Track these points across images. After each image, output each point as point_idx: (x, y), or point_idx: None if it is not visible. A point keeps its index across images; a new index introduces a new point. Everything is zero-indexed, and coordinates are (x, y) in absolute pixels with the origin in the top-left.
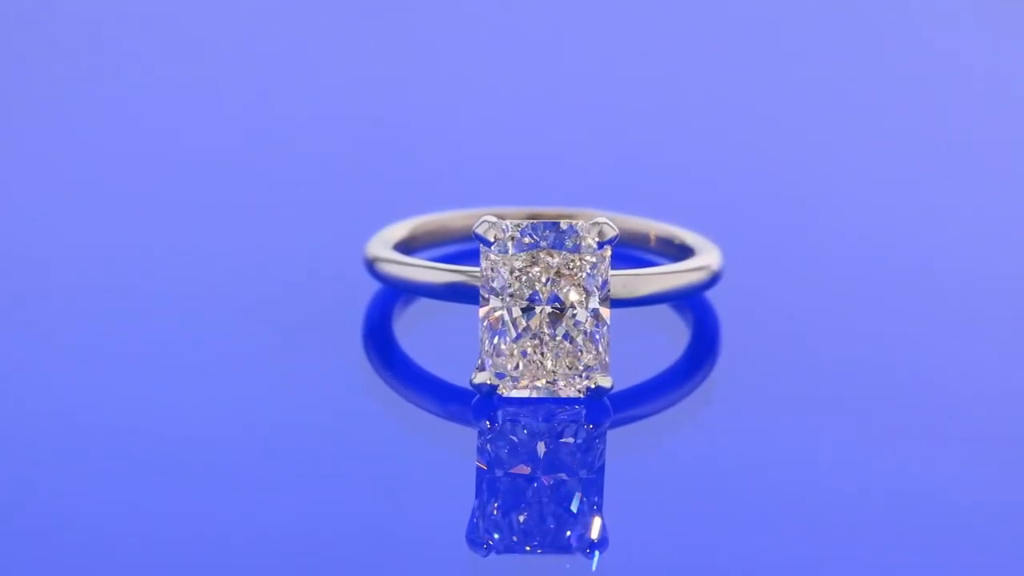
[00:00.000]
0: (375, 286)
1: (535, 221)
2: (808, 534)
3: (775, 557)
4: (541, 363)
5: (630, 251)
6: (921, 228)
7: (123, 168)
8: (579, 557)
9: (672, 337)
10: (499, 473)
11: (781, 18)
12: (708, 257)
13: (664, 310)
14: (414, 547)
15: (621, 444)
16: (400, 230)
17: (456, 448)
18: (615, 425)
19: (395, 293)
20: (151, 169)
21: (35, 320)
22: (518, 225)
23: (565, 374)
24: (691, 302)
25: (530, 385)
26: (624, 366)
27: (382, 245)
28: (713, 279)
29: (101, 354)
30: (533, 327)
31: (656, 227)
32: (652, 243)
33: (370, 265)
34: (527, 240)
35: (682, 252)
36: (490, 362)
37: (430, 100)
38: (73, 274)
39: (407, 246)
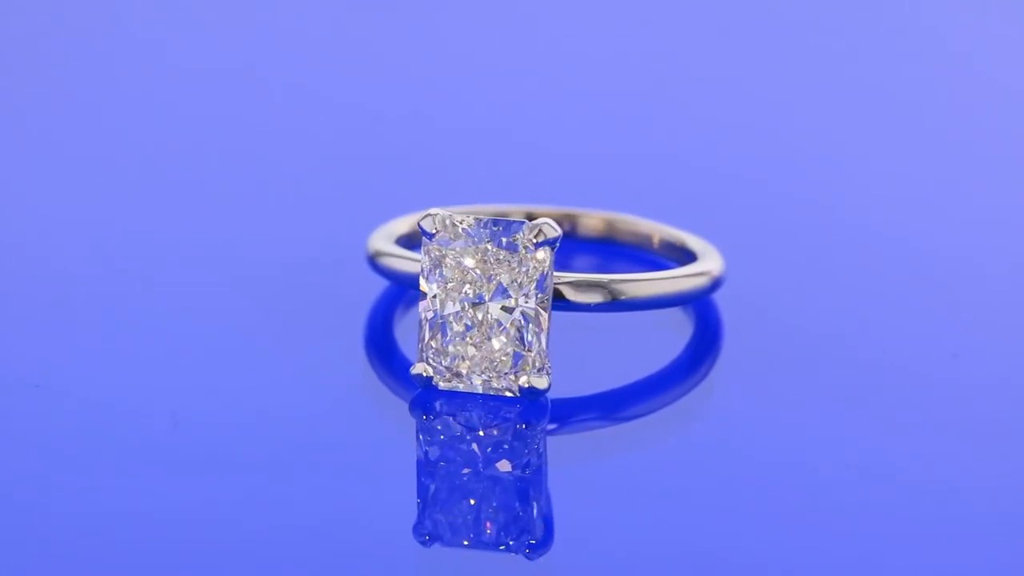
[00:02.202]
0: (377, 280)
1: (481, 217)
2: (805, 529)
3: (768, 554)
4: (478, 359)
5: (635, 252)
6: (925, 229)
7: (125, 160)
8: (521, 557)
9: (675, 337)
10: (441, 465)
11: (785, 21)
12: (710, 263)
13: (669, 310)
14: (371, 537)
15: (614, 442)
16: (403, 225)
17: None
18: (609, 423)
19: (399, 288)
20: (154, 163)
21: (40, 310)
22: (464, 220)
23: (501, 372)
24: (695, 303)
25: (466, 380)
26: (623, 365)
27: (385, 239)
28: (714, 284)
29: (101, 345)
30: (470, 323)
31: (661, 230)
32: (656, 246)
33: (372, 259)
34: (470, 236)
35: (685, 256)
36: (428, 355)
37: (438, 95)
38: (74, 266)
39: (410, 241)
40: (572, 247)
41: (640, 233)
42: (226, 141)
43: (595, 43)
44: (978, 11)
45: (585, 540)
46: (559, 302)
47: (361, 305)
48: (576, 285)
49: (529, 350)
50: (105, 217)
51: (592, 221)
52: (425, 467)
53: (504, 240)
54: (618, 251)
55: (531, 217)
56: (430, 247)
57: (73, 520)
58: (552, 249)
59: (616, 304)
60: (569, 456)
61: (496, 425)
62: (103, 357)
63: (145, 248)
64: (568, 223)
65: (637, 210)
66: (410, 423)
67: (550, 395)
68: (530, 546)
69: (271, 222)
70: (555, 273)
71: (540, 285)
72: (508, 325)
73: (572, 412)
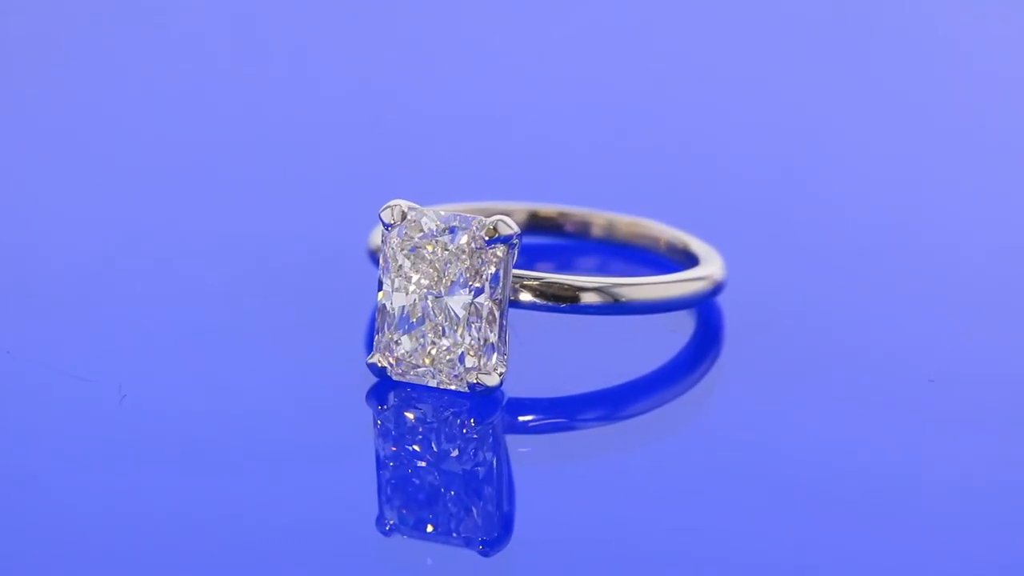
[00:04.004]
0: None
1: (441, 211)
2: (805, 528)
3: (768, 554)
4: (431, 352)
5: (638, 254)
6: (927, 230)
7: (128, 158)
8: (475, 553)
9: (675, 337)
10: (399, 458)
11: (790, 22)
12: (711, 267)
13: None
14: (343, 528)
15: (613, 442)
16: None
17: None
18: (609, 423)
19: None
20: (156, 160)
21: (43, 307)
22: (424, 214)
23: (454, 367)
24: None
25: (420, 373)
26: (623, 365)
27: None
28: (715, 289)
29: (102, 339)
30: (426, 316)
31: (665, 232)
32: (660, 248)
33: (373, 255)
34: (429, 229)
35: (689, 259)
36: (384, 346)
37: (445, 93)
38: (77, 263)
39: None
40: (576, 248)
41: (644, 235)
42: (228, 138)
43: (602, 43)
44: (978, 11)
45: (584, 539)
46: (559, 304)
47: (362, 302)
48: (576, 287)
49: (481, 346)
50: (108, 214)
51: (597, 221)
52: (383, 459)
53: (461, 235)
54: (622, 252)
55: (535, 216)
56: (389, 238)
57: (64, 513)
58: (508, 246)
59: (616, 307)
60: (568, 455)
61: (448, 420)
62: (104, 351)
63: (147, 244)
64: (572, 223)
65: (642, 211)
66: (369, 414)
67: (544, 394)
68: (483, 542)
69: (273, 218)
70: (555, 274)
71: (495, 282)
72: (462, 320)
73: (571, 411)
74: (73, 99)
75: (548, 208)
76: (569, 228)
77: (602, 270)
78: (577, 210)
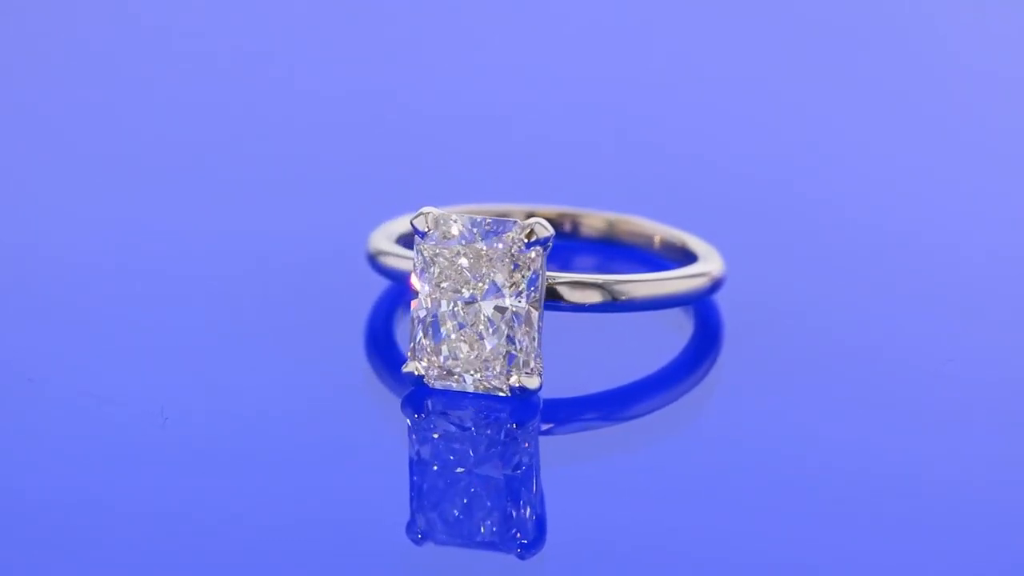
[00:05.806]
0: (377, 279)
1: (474, 216)
2: (806, 528)
3: (769, 553)
4: (470, 358)
5: (635, 252)
6: (927, 228)
7: (128, 158)
8: (513, 556)
9: (675, 337)
10: (433, 464)
11: (788, 21)
12: (710, 264)
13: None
14: (365, 535)
15: (614, 442)
16: (404, 224)
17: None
18: (609, 423)
19: (399, 287)
20: (156, 161)
21: (42, 306)
22: (457, 219)
23: (492, 371)
24: (695, 304)
25: (458, 379)
26: (623, 365)
27: (385, 238)
28: (714, 286)
29: (101, 341)
30: (462, 322)
31: (662, 231)
32: (656, 247)
33: (372, 258)
34: (462, 235)
35: (686, 257)
36: (420, 353)
37: (440, 94)
38: (76, 263)
39: (411, 240)
40: (573, 247)
41: (641, 234)
42: (228, 139)
43: (598, 42)
44: (978, 11)
45: (585, 540)
46: (559, 303)
47: (361, 305)
48: (575, 285)
49: (520, 349)
50: (108, 214)
51: (593, 221)
52: (417, 466)
53: (496, 239)
54: (619, 251)
55: (532, 215)
56: (423, 246)
57: (69, 516)
58: (544, 249)
59: (615, 305)
60: (569, 456)
61: (487, 424)
62: (102, 353)
63: (147, 245)
64: (569, 223)
65: (638, 210)
66: (405, 422)
67: (545, 395)
68: (522, 546)
69: (272, 220)
70: (555, 273)
71: (532, 284)
72: (500, 324)
73: (573, 412)
74: (73, 99)
75: (546, 208)
76: (566, 228)
77: (600, 269)
78: (574, 210)
